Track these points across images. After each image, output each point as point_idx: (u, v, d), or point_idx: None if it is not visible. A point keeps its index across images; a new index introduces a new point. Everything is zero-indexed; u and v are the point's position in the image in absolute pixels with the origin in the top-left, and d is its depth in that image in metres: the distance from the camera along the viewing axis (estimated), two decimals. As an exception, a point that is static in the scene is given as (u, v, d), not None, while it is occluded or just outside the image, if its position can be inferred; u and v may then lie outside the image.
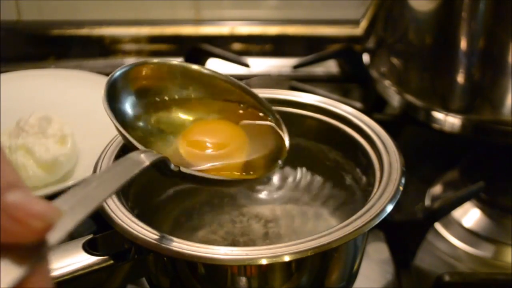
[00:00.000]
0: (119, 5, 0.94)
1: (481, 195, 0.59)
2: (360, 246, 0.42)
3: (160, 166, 0.37)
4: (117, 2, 0.94)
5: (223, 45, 0.88)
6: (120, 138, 0.45)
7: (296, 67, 0.84)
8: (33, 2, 0.94)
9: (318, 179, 0.50)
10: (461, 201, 0.56)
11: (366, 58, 0.73)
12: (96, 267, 0.37)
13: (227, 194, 0.49)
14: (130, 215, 0.38)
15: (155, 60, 0.45)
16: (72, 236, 0.38)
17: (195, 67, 0.46)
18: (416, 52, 0.63)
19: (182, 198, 0.49)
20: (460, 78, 0.58)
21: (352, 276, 0.44)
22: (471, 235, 0.58)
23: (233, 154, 0.43)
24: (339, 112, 0.48)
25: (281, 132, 0.44)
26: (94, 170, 0.42)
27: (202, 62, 0.85)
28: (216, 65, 0.86)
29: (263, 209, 0.49)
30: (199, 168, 0.41)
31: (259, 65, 0.86)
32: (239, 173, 0.41)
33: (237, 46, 0.92)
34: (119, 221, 0.37)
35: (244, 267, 0.37)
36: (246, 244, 0.45)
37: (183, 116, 0.45)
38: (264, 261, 0.35)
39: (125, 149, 0.45)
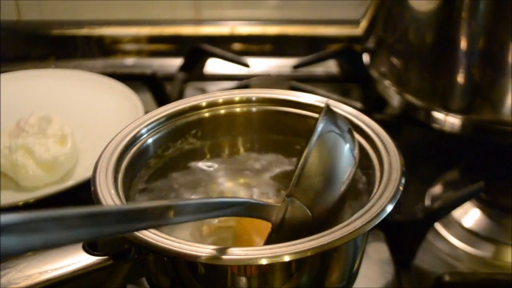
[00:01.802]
0: (119, 5, 0.94)
1: (481, 195, 0.59)
2: (360, 246, 0.42)
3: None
4: (117, 2, 0.94)
5: (223, 45, 0.88)
6: (120, 138, 0.45)
7: (296, 67, 0.84)
8: (33, 2, 0.94)
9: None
10: (461, 201, 0.56)
11: (366, 58, 0.73)
12: (96, 267, 0.37)
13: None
14: (130, 215, 0.38)
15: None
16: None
17: None
18: (416, 52, 0.63)
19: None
20: (460, 78, 0.58)
21: (352, 276, 0.44)
22: (471, 235, 0.58)
23: None
24: (339, 112, 0.48)
25: None
26: (94, 170, 0.42)
27: (202, 62, 0.85)
28: (216, 65, 0.86)
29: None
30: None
31: (259, 65, 0.86)
32: None
33: (237, 46, 0.92)
34: (119, 221, 0.37)
35: (244, 267, 0.37)
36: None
37: None
38: (264, 261, 0.35)
39: (127, 149, 0.45)
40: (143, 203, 0.38)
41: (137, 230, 0.32)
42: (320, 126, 0.40)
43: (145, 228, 0.35)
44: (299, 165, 0.39)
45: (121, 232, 0.31)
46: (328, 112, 0.41)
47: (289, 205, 0.39)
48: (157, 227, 0.36)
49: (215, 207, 0.36)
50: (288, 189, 0.40)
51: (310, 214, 0.40)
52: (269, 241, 0.40)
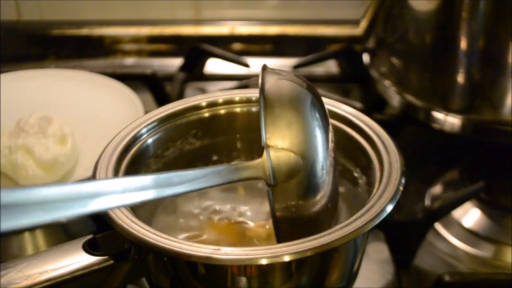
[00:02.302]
0: (119, 5, 0.94)
1: (481, 195, 0.60)
2: (360, 246, 0.42)
3: None
4: (117, 2, 0.94)
5: (223, 45, 0.88)
6: (120, 138, 0.45)
7: (296, 67, 0.84)
8: (33, 2, 0.94)
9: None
10: (461, 201, 0.56)
11: (366, 58, 0.73)
12: (96, 267, 0.37)
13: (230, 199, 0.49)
14: (130, 215, 0.38)
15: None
16: (72, 236, 0.38)
17: None
18: (416, 52, 0.63)
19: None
20: (460, 78, 0.58)
21: (352, 276, 0.44)
22: (471, 235, 0.58)
23: None
24: (339, 112, 0.48)
25: None
26: (94, 170, 0.42)
27: (202, 62, 0.85)
28: (216, 65, 0.86)
29: (263, 207, 0.48)
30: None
31: (259, 65, 0.86)
32: None
33: (237, 46, 0.92)
34: (119, 221, 0.37)
35: (244, 267, 0.37)
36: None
37: None
38: (264, 261, 0.35)
39: (127, 149, 0.45)
40: (114, 179, 0.37)
41: (105, 208, 0.32)
42: (264, 76, 0.40)
43: (119, 206, 0.35)
44: (261, 116, 0.39)
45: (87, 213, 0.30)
46: (266, 68, 0.42)
47: (271, 155, 0.39)
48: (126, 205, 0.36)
49: (197, 177, 0.36)
50: (262, 142, 0.39)
51: (298, 156, 0.39)
52: (272, 198, 0.39)
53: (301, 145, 0.39)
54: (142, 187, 0.33)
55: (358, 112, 0.48)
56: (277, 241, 0.40)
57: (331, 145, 0.41)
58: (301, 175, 0.39)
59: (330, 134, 0.41)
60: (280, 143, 0.39)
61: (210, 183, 0.37)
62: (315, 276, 0.40)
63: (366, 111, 0.50)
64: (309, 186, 0.39)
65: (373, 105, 0.73)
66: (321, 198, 0.40)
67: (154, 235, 0.36)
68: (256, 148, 0.51)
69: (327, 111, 0.42)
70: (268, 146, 0.39)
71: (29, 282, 0.36)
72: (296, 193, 0.39)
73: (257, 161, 0.40)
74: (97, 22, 0.94)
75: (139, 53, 0.93)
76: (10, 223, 0.25)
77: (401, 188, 0.40)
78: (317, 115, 0.41)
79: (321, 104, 0.42)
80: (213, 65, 0.86)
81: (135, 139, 0.46)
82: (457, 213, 0.59)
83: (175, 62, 0.85)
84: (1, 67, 0.78)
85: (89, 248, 0.38)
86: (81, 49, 0.93)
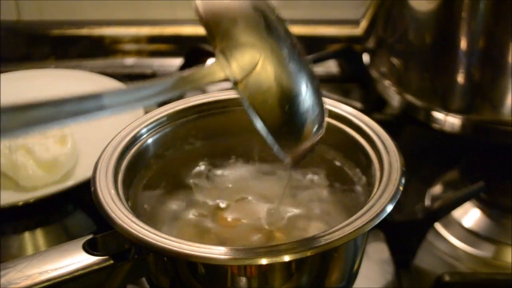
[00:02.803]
0: (119, 5, 0.94)
1: (481, 195, 0.59)
2: (360, 246, 0.42)
3: None
4: (117, 2, 0.94)
5: (223, 45, 0.88)
6: (120, 138, 0.45)
7: (296, 67, 0.84)
8: (33, 2, 0.94)
9: (318, 179, 0.50)
10: (461, 201, 0.56)
11: (366, 58, 0.73)
12: (96, 267, 0.37)
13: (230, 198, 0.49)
14: (130, 215, 0.38)
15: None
16: (72, 236, 0.38)
17: None
18: (416, 52, 0.63)
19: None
20: (460, 78, 0.58)
21: (352, 276, 0.44)
22: (471, 235, 0.58)
23: None
24: (339, 112, 0.48)
25: None
26: (94, 170, 0.42)
27: (202, 62, 0.85)
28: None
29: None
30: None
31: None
32: None
33: (237, 46, 0.92)
34: (119, 221, 0.37)
35: (244, 267, 0.37)
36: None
37: None
38: (264, 261, 0.35)
39: (127, 149, 0.45)
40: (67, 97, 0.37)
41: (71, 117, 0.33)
42: (197, 5, 0.41)
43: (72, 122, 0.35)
44: (205, 29, 0.39)
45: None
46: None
47: (227, 55, 0.38)
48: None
49: (158, 91, 0.36)
50: (215, 49, 0.38)
51: (251, 46, 0.38)
52: (243, 96, 0.38)
53: (251, 35, 0.38)
54: (94, 103, 0.34)
55: (358, 112, 0.48)
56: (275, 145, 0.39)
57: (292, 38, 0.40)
58: (262, 63, 0.38)
59: (288, 27, 0.40)
60: (230, 41, 0.38)
61: (173, 94, 0.37)
62: (315, 276, 0.40)
63: (366, 111, 0.50)
64: (276, 73, 0.38)
65: (373, 105, 0.73)
66: (294, 85, 0.39)
67: (154, 235, 0.36)
68: (257, 148, 0.51)
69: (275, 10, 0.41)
70: (220, 48, 0.38)
71: (29, 282, 0.36)
72: (266, 83, 0.38)
73: (213, 63, 0.39)
74: (97, 22, 0.94)
75: (139, 53, 0.93)
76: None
77: (401, 188, 0.40)
78: (261, 8, 0.39)
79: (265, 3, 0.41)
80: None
81: (135, 139, 0.46)
82: (457, 213, 0.59)
83: (175, 62, 0.85)
84: (1, 67, 0.78)
85: (89, 248, 0.38)
86: (81, 49, 0.93)
